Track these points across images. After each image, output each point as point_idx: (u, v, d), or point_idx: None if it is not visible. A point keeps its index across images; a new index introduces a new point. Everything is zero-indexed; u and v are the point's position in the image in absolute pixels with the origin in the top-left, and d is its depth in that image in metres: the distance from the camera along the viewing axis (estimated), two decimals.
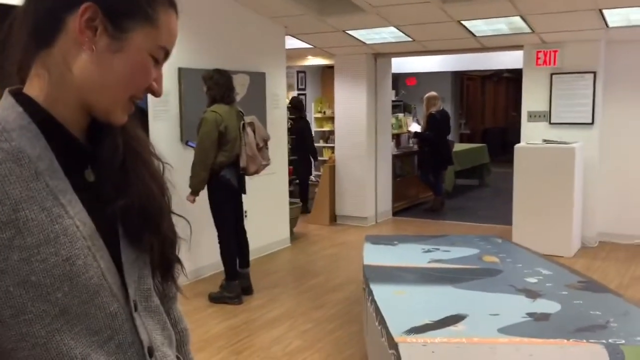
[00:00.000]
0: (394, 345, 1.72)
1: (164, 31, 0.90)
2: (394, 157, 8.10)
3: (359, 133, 7.28)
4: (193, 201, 4.42)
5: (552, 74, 6.23)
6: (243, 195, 4.75)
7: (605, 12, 5.20)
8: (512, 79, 16.91)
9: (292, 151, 7.41)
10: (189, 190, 4.44)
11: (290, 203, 6.58)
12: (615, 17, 5.36)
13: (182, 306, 1.16)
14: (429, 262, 2.94)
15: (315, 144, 10.66)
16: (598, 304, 2.12)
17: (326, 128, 10.03)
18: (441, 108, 8.28)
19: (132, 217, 0.93)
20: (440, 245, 3.41)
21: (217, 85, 4.52)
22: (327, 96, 10.46)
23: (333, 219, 7.48)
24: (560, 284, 2.39)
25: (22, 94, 0.88)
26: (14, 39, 0.90)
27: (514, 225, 6.02)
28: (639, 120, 6.09)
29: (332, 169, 7.44)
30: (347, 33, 6.36)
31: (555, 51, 6.16)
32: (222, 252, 4.66)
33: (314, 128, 10.50)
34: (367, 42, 6.69)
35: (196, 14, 5.10)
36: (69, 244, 0.83)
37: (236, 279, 4.67)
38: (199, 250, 5.15)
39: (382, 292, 2.27)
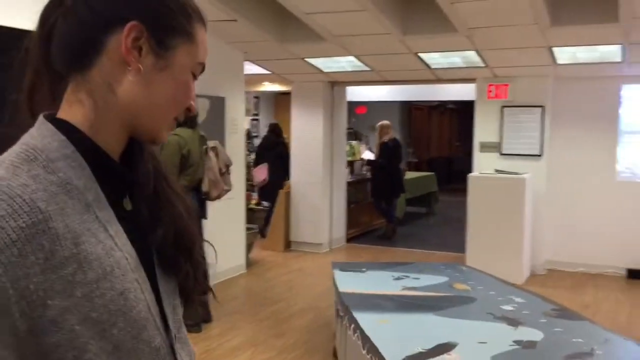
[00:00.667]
0: None
1: (200, 47, 0.88)
2: (348, 184, 8.17)
3: (315, 159, 7.32)
4: None
5: (502, 107, 6.47)
6: (203, 221, 4.68)
7: (554, 49, 5.47)
8: (456, 110, 17.47)
9: (270, 173, 7.45)
10: None
11: (247, 228, 6.52)
12: (563, 54, 5.63)
13: None
14: (402, 289, 2.96)
15: None
16: (578, 331, 2.19)
17: None
18: (393, 137, 8.43)
19: (167, 245, 0.90)
20: (409, 273, 3.45)
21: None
22: (279, 120, 10.49)
23: (287, 245, 7.45)
24: (536, 311, 2.46)
25: (61, 121, 0.82)
26: (32, 63, 0.86)
27: (467, 252, 6.15)
28: (583, 153, 6.38)
29: (288, 195, 7.43)
30: (306, 61, 6.42)
31: (506, 85, 6.41)
32: None
33: None
34: (325, 70, 6.77)
35: None
36: (122, 277, 0.79)
37: (193, 305, 4.56)
38: None
39: (366, 321, 2.27)
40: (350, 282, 3.13)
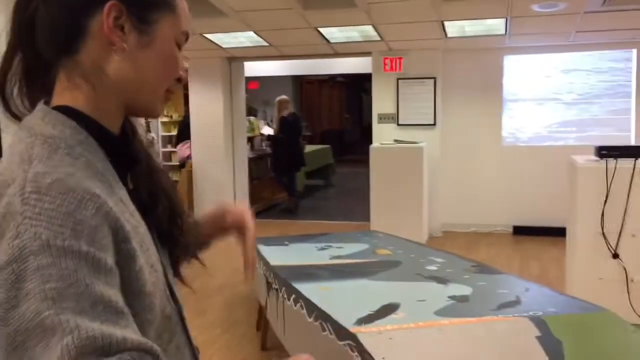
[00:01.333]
0: (349, 336, 1.81)
1: (182, 16, 0.89)
2: (249, 160, 8.17)
3: (216, 137, 7.25)
4: None
5: (398, 79, 6.74)
6: None
7: (446, 23, 5.77)
8: (345, 83, 17.84)
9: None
10: None
11: None
12: (453, 28, 5.96)
13: None
14: (331, 258, 3.08)
15: (164, 149, 10.37)
16: (500, 283, 2.41)
17: (174, 132, 9.79)
18: (292, 111, 8.51)
19: (163, 219, 0.94)
20: (330, 243, 3.57)
21: None
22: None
23: None
24: (458, 269, 2.66)
25: (65, 107, 0.83)
26: (18, 52, 0.86)
27: (371, 220, 6.40)
28: (472, 121, 6.82)
29: (190, 174, 7.32)
30: (204, 37, 6.30)
31: (400, 58, 6.68)
32: None
33: (161, 133, 10.20)
34: (224, 46, 6.68)
35: None
36: (147, 250, 0.83)
37: None
38: None
39: (308, 290, 2.36)
40: (278, 256, 3.20)
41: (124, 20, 0.83)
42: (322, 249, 3.38)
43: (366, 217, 6.94)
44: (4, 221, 0.71)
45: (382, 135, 6.83)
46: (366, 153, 6.47)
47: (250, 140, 8.65)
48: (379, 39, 6.27)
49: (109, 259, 0.72)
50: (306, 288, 2.40)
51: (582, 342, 1.75)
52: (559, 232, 6.05)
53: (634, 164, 4.01)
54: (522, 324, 1.84)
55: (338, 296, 2.30)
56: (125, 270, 0.75)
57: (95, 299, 0.68)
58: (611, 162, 4.06)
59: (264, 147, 9.12)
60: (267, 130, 9.36)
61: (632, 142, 6.30)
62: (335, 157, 12.52)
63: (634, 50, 6.31)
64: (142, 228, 0.85)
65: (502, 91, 6.74)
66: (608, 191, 4.06)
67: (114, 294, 0.71)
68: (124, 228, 0.77)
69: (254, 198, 8.18)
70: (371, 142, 6.67)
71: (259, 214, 8.27)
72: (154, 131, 9.96)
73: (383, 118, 6.88)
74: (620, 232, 4.07)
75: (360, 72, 11.69)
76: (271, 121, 11.06)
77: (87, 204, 0.72)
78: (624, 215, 4.04)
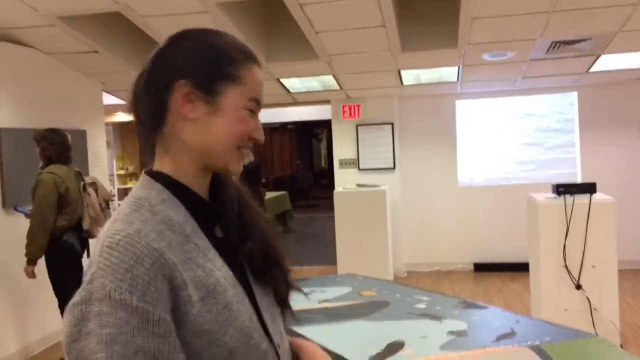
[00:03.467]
0: None
1: (250, 85, 1.02)
2: None
3: None
4: (32, 273, 4.06)
5: (357, 125, 6.98)
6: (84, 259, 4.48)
7: (402, 72, 6.06)
8: (295, 130, 18.12)
9: None
10: (25, 260, 4.06)
11: None
12: (409, 76, 6.26)
13: None
14: (320, 302, 3.15)
15: (119, 202, 10.23)
16: (491, 317, 2.54)
17: (130, 185, 9.71)
18: (252, 159, 8.60)
19: (257, 260, 1.05)
20: (313, 287, 3.64)
21: (53, 145, 4.24)
22: (127, 152, 10.17)
23: None
24: (446, 306, 2.79)
25: (156, 172, 0.99)
26: (139, 134, 1.04)
27: (338, 263, 6.50)
28: (429, 164, 7.10)
29: None
30: None
31: (358, 105, 6.94)
32: None
33: (117, 185, 10.09)
34: None
35: (12, 72, 4.76)
36: (224, 293, 0.94)
37: None
38: (27, 325, 4.70)
39: (311, 334, 2.42)
40: None
41: (193, 95, 0.98)
42: (307, 293, 3.44)
43: (330, 260, 7.05)
44: (89, 269, 0.88)
45: (344, 180, 7.00)
46: (319, 198, 6.62)
47: None
48: (338, 88, 6.50)
49: (158, 311, 0.85)
50: (308, 331, 2.47)
51: None
52: (518, 267, 6.33)
53: (590, 200, 4.29)
54: (524, 353, 1.98)
55: (341, 338, 2.38)
56: (182, 312, 0.88)
57: (137, 347, 0.82)
58: (569, 198, 4.34)
59: None
60: None
61: (579, 178, 6.69)
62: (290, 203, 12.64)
63: (576, 93, 6.77)
64: (220, 272, 0.96)
65: (455, 134, 7.06)
66: (568, 226, 4.31)
67: (155, 342, 0.84)
68: (180, 276, 0.89)
69: None
70: (323, 187, 6.82)
71: None
72: None
73: (344, 163, 7.07)
74: (581, 264, 4.31)
75: (311, 119, 11.97)
76: None
77: (144, 260, 0.85)
78: (584, 247, 4.29)
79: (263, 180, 10.44)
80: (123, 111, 7.71)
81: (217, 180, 1.07)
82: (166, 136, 1.00)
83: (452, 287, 6.39)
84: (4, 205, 4.57)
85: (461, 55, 5.52)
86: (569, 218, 4.31)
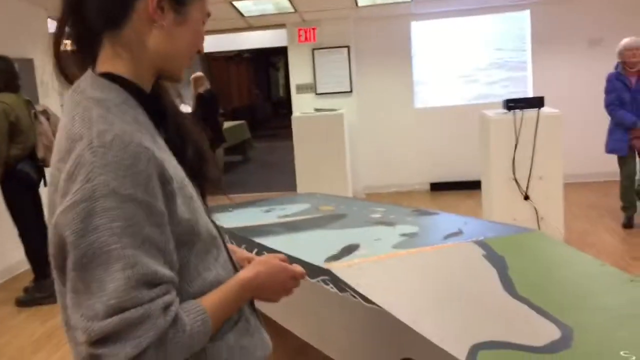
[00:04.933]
0: (322, 272, 2.01)
1: (207, 1, 1.10)
2: None
3: None
4: None
5: (313, 49, 6.93)
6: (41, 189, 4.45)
7: None
8: (252, 59, 17.81)
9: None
10: None
11: None
12: None
13: None
14: (279, 218, 3.25)
15: None
16: (442, 221, 2.68)
17: None
18: (208, 88, 8.49)
19: (193, 160, 1.13)
20: (273, 206, 3.74)
21: (0, 72, 4.13)
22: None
23: None
24: (400, 214, 2.92)
25: (109, 74, 1.01)
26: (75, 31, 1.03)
27: (298, 187, 6.61)
28: (385, 86, 7.15)
29: None
30: None
31: (314, 28, 6.87)
32: (26, 251, 4.33)
33: None
34: None
35: None
36: (187, 186, 1.04)
37: (48, 276, 4.38)
38: (7, 246, 4.72)
39: (270, 243, 2.52)
40: (227, 220, 3.32)
41: (164, 2, 1.01)
42: (267, 211, 3.54)
43: (290, 187, 7.15)
44: (75, 169, 0.90)
45: (302, 105, 7.01)
46: (279, 127, 6.64)
47: None
48: (292, 10, 6.41)
49: (159, 203, 0.92)
50: (267, 241, 2.57)
51: (521, 256, 2.04)
52: (473, 185, 6.54)
53: (538, 114, 4.44)
54: (468, 247, 2.12)
55: (299, 245, 2.48)
56: (170, 205, 0.95)
57: (145, 237, 0.90)
58: (518, 113, 4.48)
59: None
60: (184, 109, 9.27)
61: (531, 95, 6.86)
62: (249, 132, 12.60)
63: (528, 11, 6.84)
64: (179, 168, 1.04)
65: (410, 56, 7.09)
66: (517, 139, 4.48)
67: (160, 233, 0.92)
68: (167, 172, 0.95)
69: None
70: (282, 117, 6.84)
71: None
72: None
73: (301, 88, 7.07)
74: (529, 176, 4.51)
75: (268, 46, 11.77)
76: (182, 101, 10.95)
77: (141, 157, 0.92)
78: (532, 160, 4.48)
79: (220, 110, 10.36)
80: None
81: (157, 86, 1.11)
82: (126, 38, 1.01)
83: (409, 206, 6.59)
84: None
85: None
86: (518, 132, 4.46)
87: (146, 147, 0.93)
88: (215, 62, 15.69)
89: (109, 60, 1.02)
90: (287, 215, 3.30)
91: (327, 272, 1.98)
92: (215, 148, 8.57)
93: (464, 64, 7.10)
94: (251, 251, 2.63)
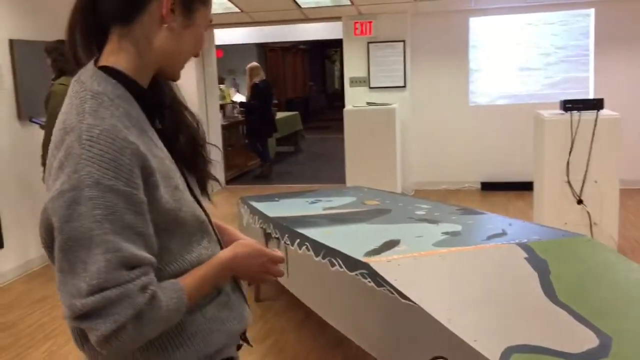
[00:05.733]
0: (361, 265, 2.03)
1: (210, 8, 1.17)
2: (222, 127, 8.26)
3: (190, 105, 7.25)
4: None
5: (368, 43, 6.91)
6: None
7: None
8: (307, 50, 17.87)
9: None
10: (41, 171, 4.20)
11: None
12: None
13: None
14: (325, 210, 3.28)
15: None
16: (485, 221, 2.65)
17: None
18: (263, 78, 8.60)
19: (187, 149, 1.22)
20: (319, 197, 3.77)
21: (64, 56, 4.29)
22: None
23: None
24: (445, 212, 2.90)
25: (109, 68, 1.08)
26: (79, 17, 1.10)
27: (347, 180, 6.62)
28: (441, 83, 7.06)
29: None
30: None
31: (370, 22, 6.84)
32: None
33: None
34: None
35: None
36: (173, 177, 1.11)
37: None
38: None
39: (313, 234, 2.56)
40: (272, 209, 3.38)
41: (176, 5, 1.09)
42: (313, 202, 3.57)
43: (338, 179, 7.17)
44: (65, 159, 0.99)
45: (355, 98, 7.01)
46: (332, 120, 6.64)
47: (222, 108, 8.72)
48: (349, 3, 6.40)
49: (139, 193, 1.00)
50: (310, 232, 2.60)
51: (564, 261, 2.00)
52: (525, 186, 6.40)
53: (596, 116, 4.31)
54: (510, 249, 2.09)
55: (341, 237, 2.50)
56: (152, 195, 1.03)
57: (125, 225, 0.98)
58: (575, 114, 4.35)
59: (236, 115, 9.20)
60: (238, 98, 9.43)
61: (591, 96, 6.64)
62: (302, 124, 12.68)
63: (593, 10, 6.61)
64: (168, 159, 1.12)
65: (467, 52, 6.98)
66: (573, 142, 4.35)
67: (140, 220, 1.00)
68: (150, 164, 1.03)
69: (228, 165, 8.30)
70: (336, 109, 6.84)
71: (233, 180, 8.41)
72: None
73: (355, 81, 7.06)
74: (584, 180, 4.39)
75: (324, 38, 11.80)
76: (238, 90, 11.13)
77: (125, 151, 0.99)
78: (587, 163, 4.35)
79: (274, 100, 10.49)
80: None
81: (155, 81, 1.18)
82: (134, 34, 1.09)
83: (458, 204, 6.51)
84: (19, 117, 4.68)
85: None
86: (574, 134, 4.34)
87: (131, 141, 1.01)
88: (272, 53, 15.83)
89: (113, 53, 1.09)
90: (332, 208, 3.32)
91: (366, 266, 2.00)
92: (268, 137, 8.69)
93: (522, 62, 6.93)
94: (293, 242, 2.67)
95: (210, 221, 1.22)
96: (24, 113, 4.67)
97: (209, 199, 1.32)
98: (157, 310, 1.00)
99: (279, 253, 1.26)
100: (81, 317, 0.97)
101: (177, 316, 1.06)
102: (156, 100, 1.16)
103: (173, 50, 1.11)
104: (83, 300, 0.96)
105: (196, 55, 1.18)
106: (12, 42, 4.59)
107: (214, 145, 1.35)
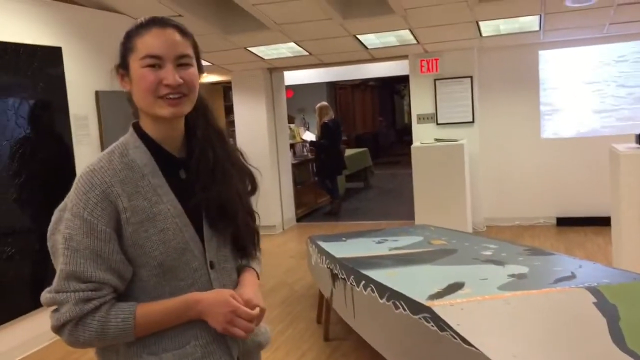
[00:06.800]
0: (423, 309, 2.04)
1: (141, 48, 1.28)
2: (292, 165, 8.45)
3: (261, 145, 7.54)
4: None
5: (435, 80, 6.94)
6: None
7: (480, 23, 5.95)
8: (377, 87, 18.03)
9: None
10: None
11: None
12: (487, 27, 6.14)
13: None
14: (390, 250, 3.30)
15: None
16: (554, 263, 2.60)
17: None
18: (332, 117, 8.77)
19: (211, 208, 1.33)
20: (386, 237, 3.80)
21: None
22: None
23: None
24: (512, 253, 2.86)
25: (136, 125, 1.34)
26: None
27: (416, 218, 6.59)
28: (510, 116, 6.97)
29: None
30: (247, 50, 6.61)
31: (436, 59, 6.88)
32: None
33: None
34: (266, 57, 6.98)
35: (106, 39, 5.11)
36: (163, 220, 1.26)
37: None
38: None
39: (377, 276, 2.59)
40: (339, 250, 3.43)
41: (122, 73, 1.32)
42: (380, 242, 3.60)
43: (407, 216, 7.15)
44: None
45: (422, 135, 7.02)
46: (401, 154, 6.65)
47: (292, 146, 8.93)
48: (415, 42, 6.48)
49: (101, 224, 1.21)
50: (374, 274, 2.63)
51: (635, 305, 1.94)
52: (603, 222, 6.16)
53: None
54: (578, 293, 2.05)
55: (405, 279, 2.53)
56: (119, 229, 1.23)
57: (85, 245, 1.21)
58: None
59: (306, 153, 9.39)
60: (308, 137, 9.63)
61: None
62: (372, 159, 12.74)
63: None
64: (164, 205, 1.27)
65: (538, 85, 6.87)
66: None
67: (98, 244, 1.21)
68: (121, 205, 1.23)
69: (298, 202, 8.45)
70: (405, 144, 6.85)
71: (303, 217, 8.54)
72: None
73: (422, 118, 7.09)
74: None
75: (392, 75, 11.89)
76: (308, 128, 11.36)
77: (96, 188, 1.23)
78: None
79: (344, 138, 10.63)
80: (208, 72, 8.04)
81: (192, 138, 1.35)
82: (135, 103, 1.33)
83: (532, 241, 6.34)
84: None
85: (542, 3, 5.35)
86: None
87: (105, 181, 1.23)
88: (341, 90, 16.09)
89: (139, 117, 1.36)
90: (398, 248, 3.34)
91: (429, 310, 2.01)
92: (338, 175, 8.81)
93: (595, 94, 6.75)
94: (358, 283, 2.71)
95: (208, 272, 1.32)
96: None
97: (247, 262, 1.46)
98: (96, 323, 1.20)
99: (253, 311, 1.30)
100: (48, 308, 1.25)
101: (118, 334, 1.22)
102: (174, 157, 1.33)
103: (138, 102, 1.30)
104: (45, 294, 1.24)
105: (167, 86, 1.27)
106: (97, 93, 4.94)
107: (255, 212, 1.46)
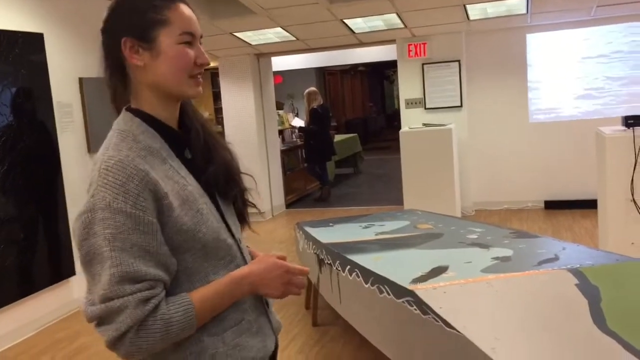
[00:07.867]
0: (407, 293, 2.04)
1: (177, 22, 1.22)
2: (281, 152, 8.42)
3: (249, 132, 7.50)
4: None
5: (423, 64, 6.92)
6: None
7: (467, 6, 5.92)
8: (366, 72, 17.97)
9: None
10: None
11: None
12: (475, 11, 6.11)
13: None
14: (377, 234, 3.30)
15: None
16: (538, 245, 2.60)
17: None
18: (321, 102, 8.73)
19: (220, 178, 1.31)
20: (372, 222, 3.79)
21: None
22: (201, 98, 10.53)
23: None
24: (497, 236, 2.87)
25: (134, 109, 1.25)
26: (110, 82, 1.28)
27: (405, 202, 6.60)
28: (498, 100, 6.97)
29: None
30: (234, 35, 6.55)
31: (424, 43, 6.85)
32: None
33: None
34: (252, 43, 6.93)
35: (90, 25, 5.04)
36: (195, 201, 1.22)
37: None
38: None
39: (362, 260, 2.59)
40: (326, 235, 3.43)
41: (136, 47, 1.21)
42: (366, 227, 3.60)
43: (397, 201, 7.15)
44: (90, 185, 1.15)
45: (411, 119, 7.01)
46: (391, 140, 6.65)
47: (280, 133, 8.89)
48: (402, 26, 6.44)
49: (146, 215, 1.12)
50: (360, 259, 2.63)
51: (617, 287, 1.94)
52: (590, 204, 6.19)
53: None
54: (561, 275, 2.05)
55: (390, 263, 2.52)
56: (167, 216, 1.15)
57: (133, 243, 1.10)
58: (638, 130, 4.21)
59: (295, 139, 9.36)
60: (297, 123, 9.59)
61: None
62: (361, 145, 12.73)
63: None
64: (193, 186, 1.23)
65: (526, 69, 6.86)
66: (636, 158, 4.20)
67: (148, 239, 1.12)
68: (161, 189, 1.15)
69: (288, 189, 8.43)
70: (395, 129, 6.84)
71: (293, 204, 8.53)
72: None
73: (410, 103, 7.07)
74: None
75: (381, 60, 11.86)
76: (297, 114, 11.32)
77: (134, 178, 1.12)
78: None
79: (333, 123, 10.62)
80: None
81: (185, 114, 1.31)
82: (132, 83, 1.24)
83: (520, 225, 6.36)
84: (89, 150, 4.95)
85: None
86: (637, 150, 4.19)
87: (140, 169, 1.14)
88: (330, 76, 16.03)
89: (133, 100, 1.26)
90: (384, 232, 3.34)
91: (412, 294, 2.01)
92: (327, 161, 8.79)
93: (582, 77, 6.76)
94: (344, 268, 2.71)
95: (239, 246, 1.29)
96: (93, 147, 4.94)
97: (249, 226, 1.43)
98: (159, 322, 1.11)
99: (297, 266, 1.29)
100: (95, 323, 1.12)
101: (183, 328, 1.14)
102: (182, 135, 1.28)
103: (156, 80, 1.21)
104: (92, 308, 1.11)
105: (201, 65, 1.25)
106: (81, 80, 4.88)
107: (249, 174, 1.44)
